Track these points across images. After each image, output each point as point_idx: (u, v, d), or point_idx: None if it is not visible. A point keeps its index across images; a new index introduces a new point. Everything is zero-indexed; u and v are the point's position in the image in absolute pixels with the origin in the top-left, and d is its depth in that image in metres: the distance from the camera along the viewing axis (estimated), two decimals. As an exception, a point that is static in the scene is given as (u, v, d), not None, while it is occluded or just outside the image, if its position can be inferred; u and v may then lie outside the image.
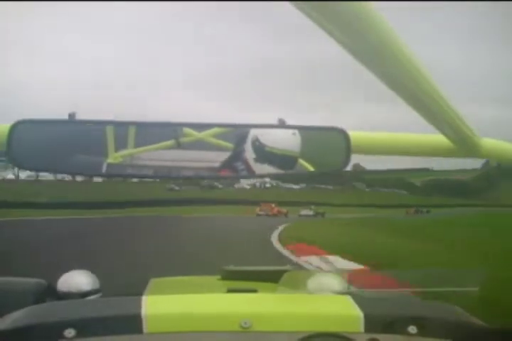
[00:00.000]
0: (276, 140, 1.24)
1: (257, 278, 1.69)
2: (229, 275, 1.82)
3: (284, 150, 1.24)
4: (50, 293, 1.85)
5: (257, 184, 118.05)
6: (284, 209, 51.33)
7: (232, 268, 1.84)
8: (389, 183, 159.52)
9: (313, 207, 56.50)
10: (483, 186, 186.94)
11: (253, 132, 1.24)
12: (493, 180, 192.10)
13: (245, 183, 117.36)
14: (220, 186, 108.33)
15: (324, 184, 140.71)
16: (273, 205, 51.34)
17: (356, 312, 1.18)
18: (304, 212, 52.68)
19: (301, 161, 1.28)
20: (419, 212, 70.57)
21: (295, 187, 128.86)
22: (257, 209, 49.30)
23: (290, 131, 1.25)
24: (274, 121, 1.22)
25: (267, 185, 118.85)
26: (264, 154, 1.23)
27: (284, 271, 1.49)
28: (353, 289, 1.43)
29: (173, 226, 24.19)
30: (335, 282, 1.45)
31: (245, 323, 1.14)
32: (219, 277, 1.89)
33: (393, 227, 24.57)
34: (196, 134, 1.25)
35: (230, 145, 1.26)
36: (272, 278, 1.56)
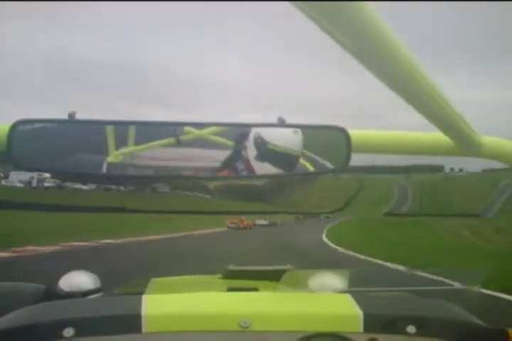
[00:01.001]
0: (278, 137, 1.22)
1: (257, 278, 1.67)
2: (230, 275, 1.81)
3: (286, 149, 1.22)
4: (49, 297, 1.81)
5: (34, 182, 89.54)
6: (250, 222, 51.74)
7: (233, 267, 1.82)
8: (187, 186, 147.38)
9: (267, 217, 59.73)
10: (275, 191, 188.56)
11: (255, 129, 1.23)
12: (284, 186, 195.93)
13: (16, 180, 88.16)
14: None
15: (118, 186, 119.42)
16: (243, 218, 51.20)
17: (356, 312, 1.17)
18: (260, 221, 55.47)
19: (301, 161, 1.26)
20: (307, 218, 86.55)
21: (84, 187, 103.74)
22: (228, 222, 48.37)
23: (292, 129, 1.24)
24: (274, 120, 1.21)
25: (47, 184, 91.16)
26: (265, 151, 1.21)
27: (285, 271, 1.52)
28: (353, 288, 1.44)
29: None
30: (335, 281, 1.48)
31: (244, 323, 1.13)
32: (220, 276, 1.88)
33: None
34: (196, 132, 1.24)
35: (230, 142, 1.24)
36: (272, 278, 1.58)
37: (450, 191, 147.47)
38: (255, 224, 52.42)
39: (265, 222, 55.35)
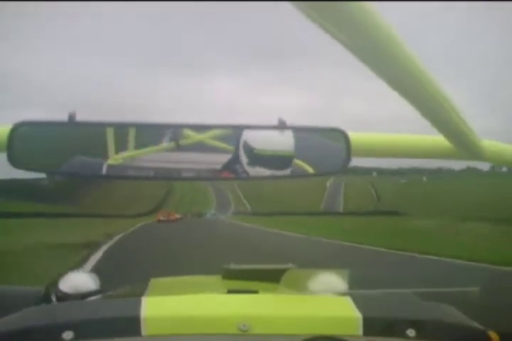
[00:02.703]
0: (263, 141, 1.22)
1: (258, 277, 1.68)
2: (230, 274, 1.82)
3: (274, 151, 1.21)
4: (49, 299, 1.80)
5: None
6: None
7: (232, 266, 1.83)
8: None
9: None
10: (70, 190, 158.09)
11: (243, 136, 1.23)
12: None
13: None
14: None
15: None
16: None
17: (355, 315, 1.17)
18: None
19: (301, 163, 1.26)
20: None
21: None
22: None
23: (279, 131, 1.22)
24: (274, 122, 1.19)
25: None
26: (254, 157, 1.22)
27: (286, 270, 1.56)
28: (353, 289, 1.44)
29: None
30: (336, 282, 1.48)
31: (244, 326, 1.13)
32: (220, 276, 1.89)
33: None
34: (196, 136, 1.25)
35: (230, 147, 1.25)
36: (273, 277, 1.62)
37: (276, 191, 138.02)
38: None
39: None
